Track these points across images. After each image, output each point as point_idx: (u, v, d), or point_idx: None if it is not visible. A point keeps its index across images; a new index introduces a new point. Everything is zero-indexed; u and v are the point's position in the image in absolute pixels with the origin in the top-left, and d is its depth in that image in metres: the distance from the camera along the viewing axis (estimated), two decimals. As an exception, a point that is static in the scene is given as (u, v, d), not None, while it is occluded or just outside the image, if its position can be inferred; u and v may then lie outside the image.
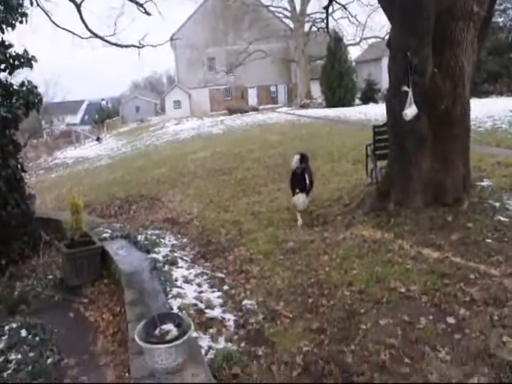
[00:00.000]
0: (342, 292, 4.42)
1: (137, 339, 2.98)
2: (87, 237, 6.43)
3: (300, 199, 6.81)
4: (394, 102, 6.18)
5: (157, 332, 3.06)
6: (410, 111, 5.68)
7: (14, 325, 4.97)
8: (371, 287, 4.42)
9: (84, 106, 74.75)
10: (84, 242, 6.26)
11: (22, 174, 7.81)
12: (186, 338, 2.97)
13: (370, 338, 3.64)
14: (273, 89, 47.53)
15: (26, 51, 7.49)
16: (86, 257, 6.04)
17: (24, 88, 7.49)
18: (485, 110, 14.10)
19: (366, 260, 5.04)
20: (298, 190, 6.84)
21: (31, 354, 4.39)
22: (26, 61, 7.51)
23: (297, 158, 7.16)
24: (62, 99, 56.75)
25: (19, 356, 4.37)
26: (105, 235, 6.72)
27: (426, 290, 4.23)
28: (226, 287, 4.94)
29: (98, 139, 34.71)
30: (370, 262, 4.97)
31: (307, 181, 6.94)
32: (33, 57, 7.56)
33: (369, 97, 32.13)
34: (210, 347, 3.70)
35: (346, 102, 30.41)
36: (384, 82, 28.14)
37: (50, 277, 6.31)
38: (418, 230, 5.56)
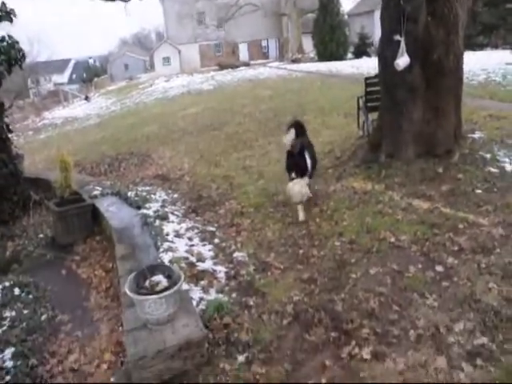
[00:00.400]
0: (332, 243, 4.43)
1: (127, 291, 2.97)
2: (77, 195, 6.36)
3: (296, 187, 4.99)
4: (386, 52, 5.99)
5: (147, 283, 3.04)
6: (402, 61, 5.54)
7: (7, 283, 4.97)
8: (361, 237, 4.43)
9: (71, 65, 72.35)
10: (74, 199, 6.19)
11: (9, 135, 7.61)
12: (176, 288, 2.96)
13: (360, 286, 3.67)
14: (264, 43, 46.18)
15: (3, 4, 7.09)
16: (76, 214, 6.00)
17: (4, 43, 7.14)
18: (479, 64, 13.80)
19: (356, 211, 5.04)
20: (294, 174, 5.06)
21: (25, 311, 4.42)
22: (4, 14, 7.11)
23: (291, 133, 5.25)
24: (48, 58, 55.09)
25: (13, 313, 4.39)
26: (95, 193, 6.65)
27: (415, 239, 4.25)
28: (217, 240, 4.94)
29: (87, 98, 33.83)
30: (361, 213, 4.96)
31: (308, 162, 5.17)
32: (12, 10, 7.16)
33: (361, 51, 31.35)
34: (201, 298, 3.72)
35: (338, 56, 29.75)
36: (377, 35, 27.34)
37: (41, 236, 6.27)
38: (408, 182, 5.54)
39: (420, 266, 3.84)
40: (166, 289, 2.95)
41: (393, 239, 4.31)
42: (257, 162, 7.74)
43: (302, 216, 5.10)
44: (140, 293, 2.95)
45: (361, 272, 3.86)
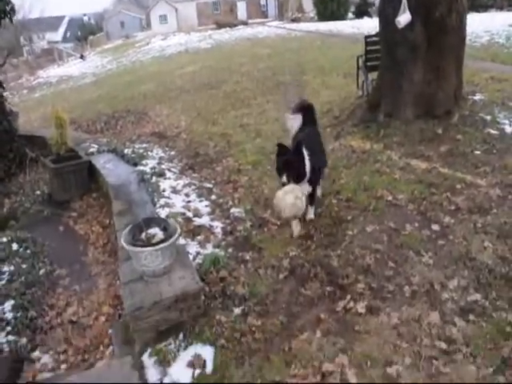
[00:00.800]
0: (329, 200, 4.37)
1: (123, 243, 2.93)
2: (73, 152, 6.28)
3: (288, 198, 3.48)
4: (387, 9, 5.80)
5: (143, 236, 3.00)
6: (404, 18, 5.37)
7: (5, 239, 4.98)
8: (359, 195, 4.38)
9: (65, 22, 69.93)
10: (70, 156, 6.13)
11: (3, 92, 7.42)
12: (172, 240, 2.92)
13: (356, 243, 3.65)
14: (263, 2, 44.76)
15: None
16: (72, 171, 5.94)
17: (-9, -5, 6.84)
18: (482, 26, 13.36)
19: (354, 170, 4.97)
20: (285, 178, 3.58)
21: (24, 266, 4.43)
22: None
23: (297, 118, 4.20)
24: (40, 14, 53.07)
25: (12, 268, 4.41)
26: (91, 150, 6.58)
27: (412, 198, 4.21)
28: (213, 197, 4.88)
29: (82, 57, 32.92)
30: (358, 171, 4.90)
31: (307, 163, 3.69)
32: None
33: (362, 10, 30.38)
34: (197, 253, 3.70)
35: (339, 16, 28.89)
36: (379, -7, 26.40)
37: (38, 193, 6.23)
38: (407, 142, 5.46)
39: (416, 224, 3.81)
40: (161, 241, 2.91)
41: (390, 198, 4.26)
42: (254, 120, 7.59)
43: (296, 231, 3.91)
44: (136, 245, 2.91)
45: (357, 229, 3.83)
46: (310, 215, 4.09)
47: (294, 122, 4.26)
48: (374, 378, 2.45)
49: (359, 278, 3.23)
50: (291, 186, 3.56)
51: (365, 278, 3.23)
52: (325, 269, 3.37)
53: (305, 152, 3.69)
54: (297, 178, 3.64)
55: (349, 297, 3.05)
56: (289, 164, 3.62)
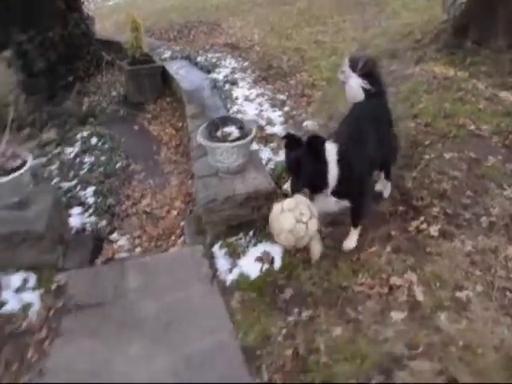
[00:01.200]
0: (406, 123, 4.00)
1: (200, 138, 2.83)
2: (148, 56, 6.17)
3: (284, 219, 2.28)
4: None
5: (219, 134, 2.89)
6: None
7: (85, 133, 5.11)
8: (438, 122, 3.96)
9: None
10: (145, 60, 6.05)
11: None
12: (248, 139, 2.80)
13: (433, 168, 3.35)
14: None
15: None
16: (147, 75, 5.88)
17: None
18: None
19: (434, 95, 4.48)
20: (287, 186, 2.30)
21: (102, 158, 4.55)
22: None
23: (354, 85, 2.74)
24: None
25: (92, 159, 4.56)
26: (165, 56, 6.46)
27: (498, 130, 3.74)
28: (286, 108, 4.65)
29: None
30: (439, 98, 4.41)
31: (334, 172, 2.33)
32: None
33: None
34: (269, 159, 3.60)
35: None
36: None
37: (114, 94, 6.23)
38: (496, 72, 4.80)
39: (500, 157, 3.40)
40: (237, 139, 2.79)
41: (472, 127, 3.82)
42: (330, 38, 7.01)
43: (316, 253, 2.62)
44: (212, 140, 2.81)
45: (435, 154, 3.50)
46: None
47: (352, 87, 2.76)
48: (442, 299, 2.32)
49: (434, 201, 2.99)
50: (296, 200, 2.27)
51: (440, 202, 2.98)
52: (398, 189, 3.15)
53: (331, 150, 2.31)
54: (312, 187, 2.34)
55: (422, 218, 2.85)
56: (297, 165, 2.27)
